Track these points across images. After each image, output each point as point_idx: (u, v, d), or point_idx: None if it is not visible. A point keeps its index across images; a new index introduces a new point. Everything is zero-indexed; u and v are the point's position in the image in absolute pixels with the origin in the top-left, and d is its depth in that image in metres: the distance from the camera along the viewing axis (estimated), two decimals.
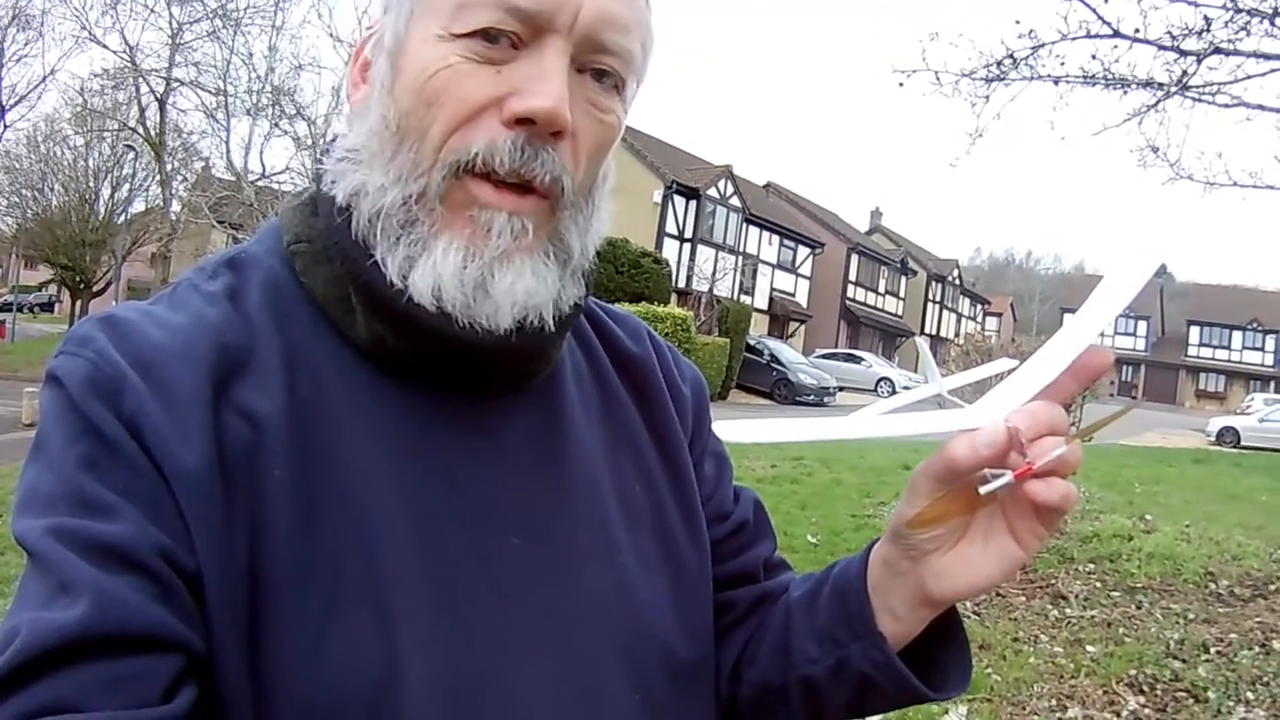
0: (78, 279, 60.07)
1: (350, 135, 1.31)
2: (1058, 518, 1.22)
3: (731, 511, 1.66)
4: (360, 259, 1.27)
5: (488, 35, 1.21)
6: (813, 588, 1.53)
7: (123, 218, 58.11)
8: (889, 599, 1.37)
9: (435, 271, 1.23)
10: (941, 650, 1.45)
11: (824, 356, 59.96)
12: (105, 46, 48.05)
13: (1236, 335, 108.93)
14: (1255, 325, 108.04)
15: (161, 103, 48.61)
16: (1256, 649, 8.95)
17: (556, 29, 1.23)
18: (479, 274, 1.25)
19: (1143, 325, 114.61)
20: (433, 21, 1.23)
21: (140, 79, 48.14)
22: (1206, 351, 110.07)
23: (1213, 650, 8.90)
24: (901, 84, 13.72)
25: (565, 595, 1.34)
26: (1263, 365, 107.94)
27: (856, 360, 59.74)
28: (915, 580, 1.32)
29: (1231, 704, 7.63)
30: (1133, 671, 8.30)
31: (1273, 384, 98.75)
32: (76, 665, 1.00)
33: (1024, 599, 10.48)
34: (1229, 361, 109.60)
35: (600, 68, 1.29)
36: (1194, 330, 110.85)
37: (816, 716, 1.54)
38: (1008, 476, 1.15)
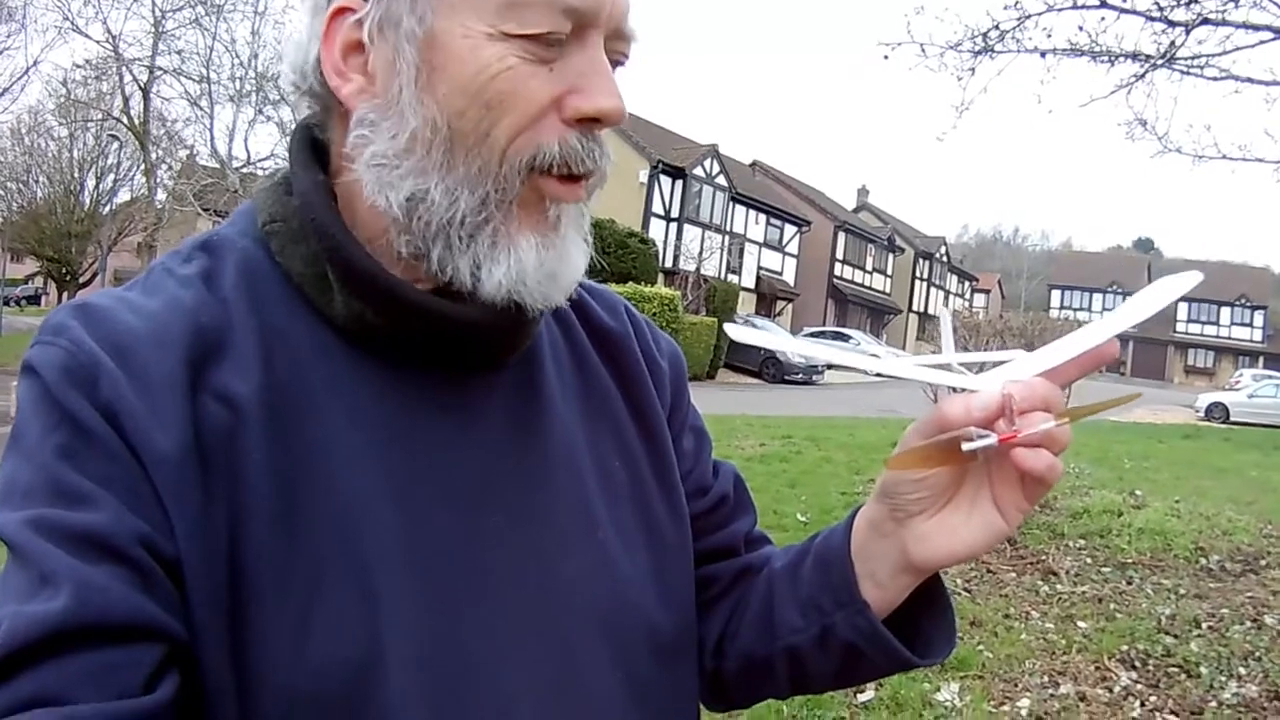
0: (64, 271, 60.31)
1: (377, 140, 1.25)
2: (1042, 491, 1.25)
3: (711, 485, 1.67)
4: (338, 235, 1.25)
5: (545, 35, 1.20)
6: (795, 558, 1.54)
7: (108, 208, 58.31)
8: (871, 564, 1.40)
9: (519, 269, 1.25)
10: (925, 617, 1.47)
11: (812, 335, 59.84)
12: (88, 36, 48.07)
13: (1225, 311, 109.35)
14: (1243, 301, 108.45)
15: (145, 91, 48.44)
16: (1248, 624, 9.01)
17: (599, 24, 1.24)
18: (553, 266, 1.27)
19: None
20: (473, 16, 1.20)
21: (124, 68, 48.04)
22: (1195, 328, 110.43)
23: (1204, 625, 8.96)
24: (886, 57, 13.69)
25: (546, 573, 1.34)
26: (1251, 341, 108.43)
27: (845, 338, 59.29)
28: (898, 544, 1.34)
29: (1224, 679, 7.66)
30: (1124, 647, 8.36)
31: (1261, 359, 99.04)
32: (59, 657, 0.99)
33: (1014, 575, 10.53)
34: (1217, 337, 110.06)
35: (617, 54, 1.30)
36: (1182, 306, 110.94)
37: (801, 687, 1.56)
38: (992, 438, 1.17)
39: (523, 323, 1.35)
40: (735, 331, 1.46)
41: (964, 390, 1.23)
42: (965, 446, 1.18)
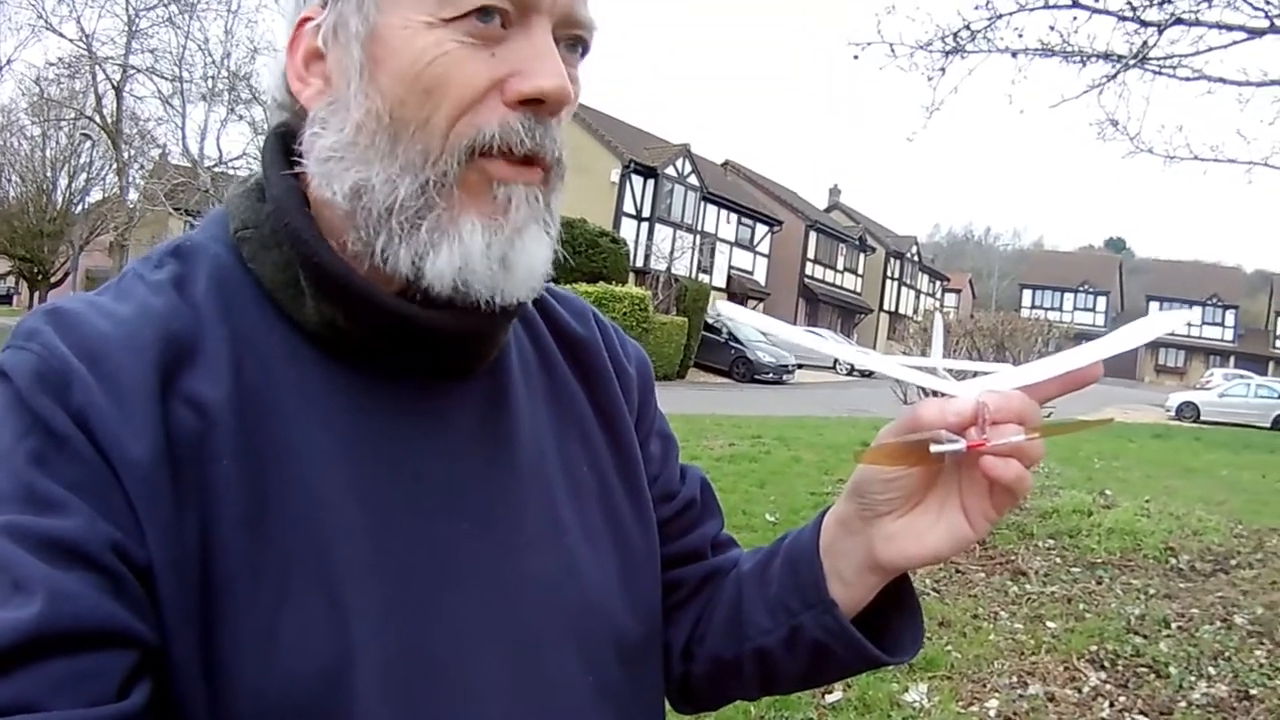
0: (36, 270, 59.82)
1: (327, 134, 1.27)
2: (1010, 501, 1.27)
3: (679, 490, 1.68)
4: (311, 240, 1.26)
5: (481, 13, 1.21)
6: (763, 560, 1.57)
7: (80, 207, 57.91)
8: (838, 561, 1.42)
9: (462, 253, 1.24)
10: (893, 615, 1.49)
11: None
12: (61, 35, 47.82)
13: (1196, 310, 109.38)
14: (1215, 301, 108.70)
15: (118, 90, 48.29)
16: (1218, 624, 9.05)
17: (541, 9, 1.24)
18: (502, 250, 1.26)
19: (1102, 301, 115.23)
20: (412, 7, 1.22)
21: (97, 66, 47.79)
22: None
23: (1174, 625, 8.99)
24: (856, 57, 13.72)
25: (515, 578, 1.35)
26: (1222, 340, 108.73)
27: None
28: (865, 542, 1.37)
29: (1193, 679, 7.70)
30: (1094, 647, 8.37)
31: (1232, 359, 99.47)
32: (32, 664, 0.99)
33: (983, 575, 10.55)
34: (1189, 337, 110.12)
35: (573, 38, 1.31)
36: (1154, 306, 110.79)
37: (770, 688, 1.58)
38: (960, 443, 1.19)
39: (492, 330, 1.36)
40: (726, 308, 1.49)
41: (943, 395, 1.24)
42: (934, 449, 1.21)
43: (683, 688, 1.64)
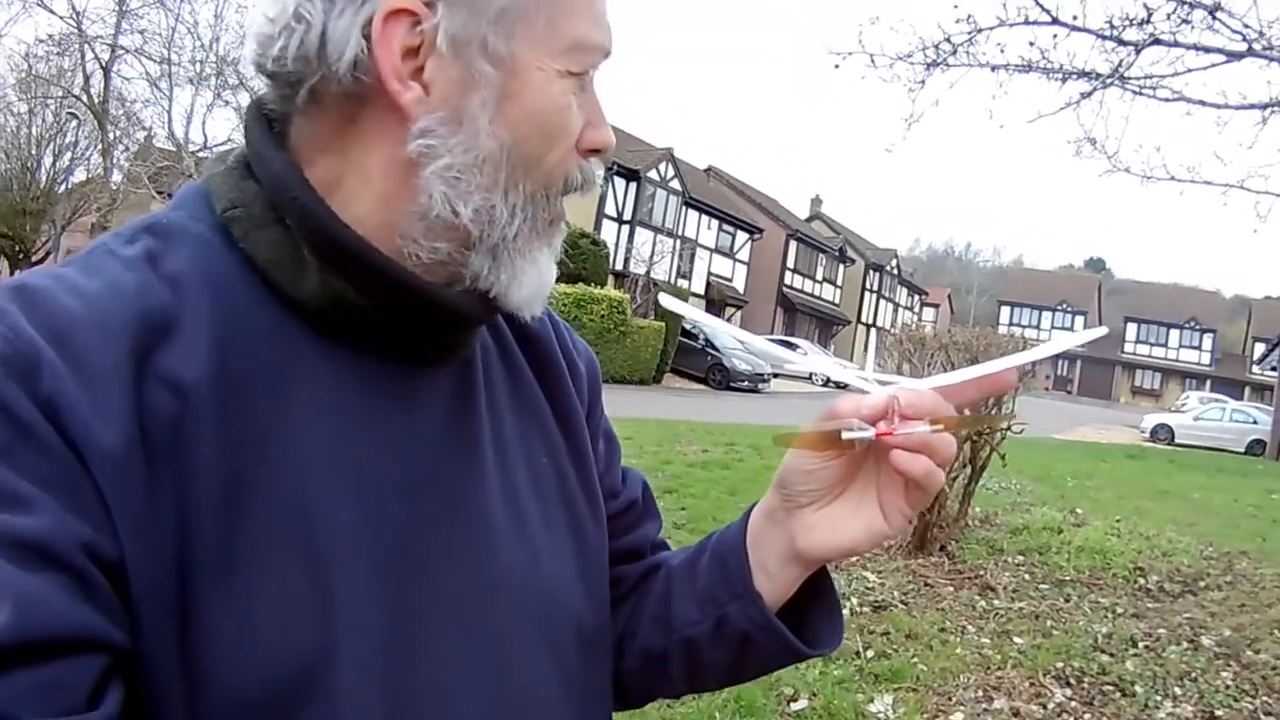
0: (17, 248, 59.58)
1: (449, 153, 1.26)
2: (921, 497, 1.38)
3: (621, 490, 1.75)
4: (323, 213, 1.24)
5: (585, 74, 1.32)
6: (693, 555, 1.65)
7: (64, 187, 57.66)
8: (763, 554, 1.50)
9: (540, 280, 1.37)
10: (813, 610, 1.57)
11: None
12: (52, 12, 47.30)
13: (1174, 333, 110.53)
14: (1193, 324, 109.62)
15: (106, 70, 48.08)
16: (1185, 644, 9.10)
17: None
18: (550, 276, 1.41)
19: (1080, 320, 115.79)
20: (542, 51, 1.26)
21: (86, 45, 47.59)
22: (1143, 349, 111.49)
23: (1141, 645, 9.05)
24: (837, 66, 13.73)
25: (483, 567, 1.35)
26: (1199, 364, 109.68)
27: (791, 348, 59.39)
28: (787, 533, 1.46)
29: (1159, 698, 7.74)
30: (1060, 664, 8.41)
31: (1208, 382, 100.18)
32: (2, 674, 0.96)
33: (951, 589, 10.59)
34: (1165, 359, 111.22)
35: None
36: (1131, 327, 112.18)
37: (696, 682, 1.64)
38: (870, 432, 1.31)
39: (492, 311, 1.38)
40: (668, 301, 1.59)
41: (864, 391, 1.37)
42: (845, 435, 1.32)
43: (615, 683, 1.66)
